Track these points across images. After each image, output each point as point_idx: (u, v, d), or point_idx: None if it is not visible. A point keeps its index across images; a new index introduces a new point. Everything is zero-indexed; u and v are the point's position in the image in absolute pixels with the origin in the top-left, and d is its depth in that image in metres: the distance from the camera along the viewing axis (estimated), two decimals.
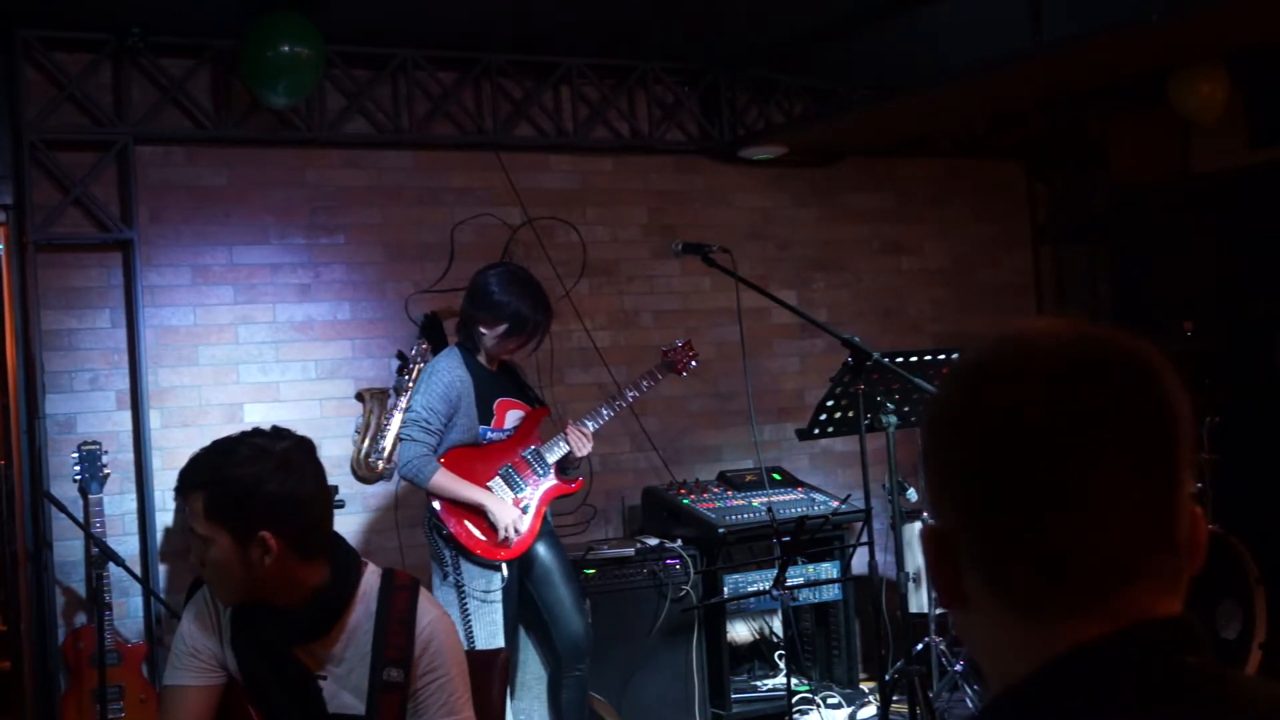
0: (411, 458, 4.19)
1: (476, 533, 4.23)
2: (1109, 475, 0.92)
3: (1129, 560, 0.93)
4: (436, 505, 4.25)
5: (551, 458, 4.39)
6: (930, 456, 1.00)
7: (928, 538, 0.99)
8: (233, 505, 2.25)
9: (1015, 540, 0.93)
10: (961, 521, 0.97)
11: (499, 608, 4.22)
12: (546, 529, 4.44)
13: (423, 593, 2.41)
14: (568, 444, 4.38)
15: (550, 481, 4.40)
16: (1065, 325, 0.98)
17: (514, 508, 4.28)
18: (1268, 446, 5.81)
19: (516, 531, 4.24)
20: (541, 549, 4.41)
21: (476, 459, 4.30)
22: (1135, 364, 0.95)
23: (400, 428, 4.31)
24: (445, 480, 4.20)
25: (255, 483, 2.24)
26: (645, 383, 4.64)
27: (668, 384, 5.85)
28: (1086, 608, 0.92)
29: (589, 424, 4.46)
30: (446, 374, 4.25)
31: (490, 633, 4.19)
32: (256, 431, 2.33)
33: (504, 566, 4.24)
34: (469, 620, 4.17)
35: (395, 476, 5.34)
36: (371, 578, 2.39)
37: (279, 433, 2.33)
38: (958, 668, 5.02)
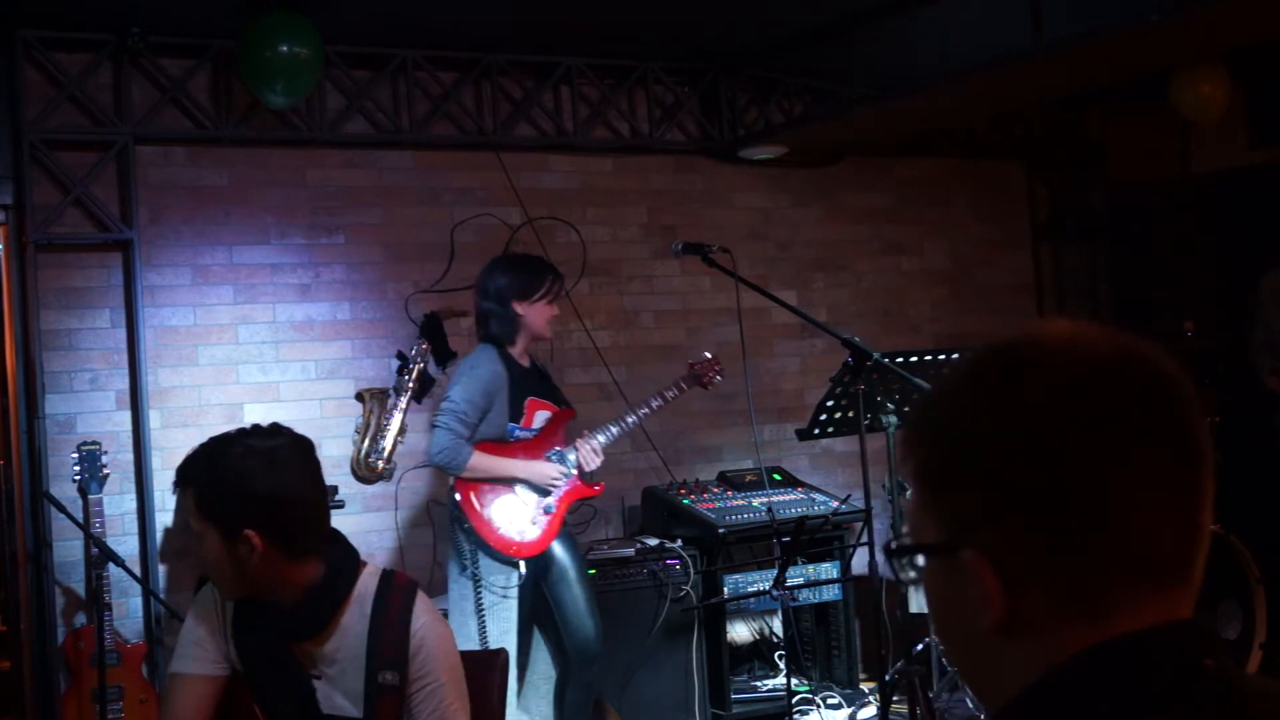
0: (445, 445, 4.22)
1: (498, 528, 4.27)
2: (1163, 473, 0.92)
3: (1179, 555, 0.94)
4: (460, 498, 4.29)
5: (574, 460, 4.45)
6: (957, 472, 0.95)
7: (979, 565, 0.92)
8: (219, 502, 2.25)
9: (1085, 545, 0.91)
10: (1018, 535, 0.92)
11: (514, 605, 4.26)
12: (564, 530, 4.47)
13: (420, 595, 2.38)
14: (578, 458, 4.44)
15: (572, 483, 4.45)
16: (1078, 327, 0.97)
17: (547, 463, 4.36)
18: (1267, 446, 5.80)
19: (562, 477, 4.36)
20: (559, 550, 4.44)
21: (502, 454, 4.34)
22: (1154, 362, 0.96)
23: (435, 415, 4.36)
24: (481, 461, 4.25)
25: (240, 480, 2.23)
26: (671, 392, 4.68)
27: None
28: (1142, 605, 0.92)
29: (613, 430, 4.54)
30: (487, 367, 4.31)
31: (503, 629, 4.22)
32: (254, 429, 2.32)
33: (522, 564, 4.28)
34: (483, 615, 4.21)
35: (395, 476, 5.34)
36: (369, 579, 2.37)
37: (275, 430, 2.32)
38: (957, 669, 5.01)
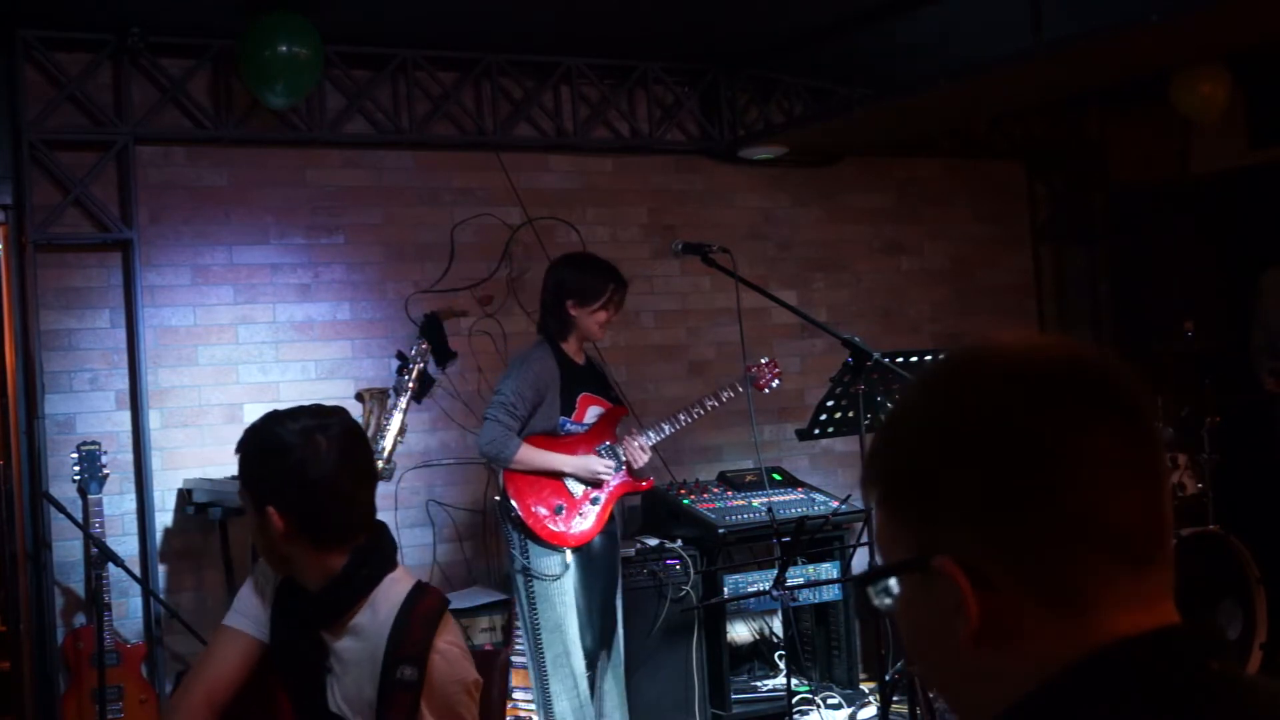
0: (494, 436, 4.31)
1: (545, 519, 4.34)
2: (1126, 460, 0.93)
3: (1151, 537, 0.94)
4: (508, 489, 4.36)
5: (625, 455, 4.51)
6: (926, 481, 0.95)
7: (954, 570, 0.92)
8: (249, 473, 2.26)
9: (1059, 531, 0.91)
10: (991, 534, 0.92)
11: (567, 592, 4.33)
12: (610, 528, 4.51)
13: (450, 618, 2.30)
14: (625, 455, 4.53)
15: (621, 478, 4.51)
16: (1030, 335, 0.99)
17: (593, 455, 4.44)
18: (1268, 446, 5.80)
19: (606, 469, 4.43)
20: (599, 545, 4.48)
21: (554, 447, 4.40)
22: (1105, 365, 0.96)
23: (487, 408, 4.44)
24: (527, 454, 4.34)
25: (270, 455, 2.21)
26: (726, 394, 4.74)
27: (668, 385, 5.86)
28: (1119, 592, 0.92)
29: (664, 428, 4.63)
30: (538, 363, 4.39)
31: (559, 615, 4.29)
32: (313, 408, 2.28)
33: (568, 552, 4.34)
34: (534, 603, 4.28)
35: (395, 476, 5.34)
36: (393, 585, 2.28)
37: (328, 412, 2.27)
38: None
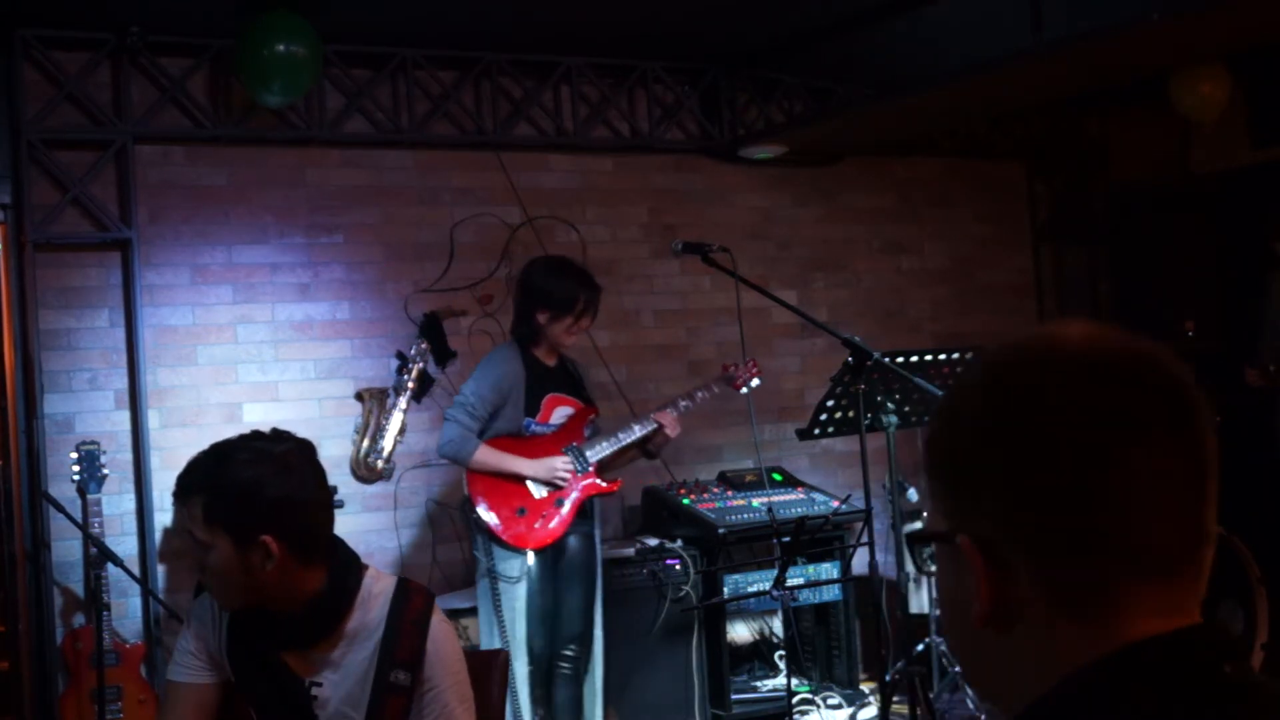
0: (452, 437, 4.31)
1: (507, 520, 4.33)
2: (1166, 472, 0.92)
3: (1182, 553, 0.93)
4: (470, 491, 4.35)
5: (593, 456, 4.47)
6: (959, 463, 0.97)
7: (971, 551, 0.94)
8: (232, 509, 2.21)
9: (1080, 539, 0.91)
10: (1012, 527, 0.93)
11: (523, 592, 4.31)
12: (586, 529, 4.49)
13: (437, 604, 2.39)
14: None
15: (587, 479, 4.47)
16: (1091, 328, 0.97)
17: (553, 456, 4.39)
18: (1268, 447, 5.80)
19: (566, 471, 4.38)
20: (573, 546, 4.46)
21: (519, 449, 4.38)
22: (1165, 365, 0.95)
23: (447, 409, 4.45)
24: (486, 455, 4.32)
25: (255, 486, 2.20)
26: (700, 394, 4.72)
27: (668, 384, 5.85)
28: (1142, 604, 0.92)
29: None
30: (501, 365, 4.38)
31: (512, 617, 4.28)
32: (256, 434, 2.30)
33: (530, 553, 4.32)
34: (498, 604, 4.27)
35: (395, 476, 5.34)
36: (374, 583, 2.35)
37: (279, 435, 2.30)
38: (958, 668, 5.01)
